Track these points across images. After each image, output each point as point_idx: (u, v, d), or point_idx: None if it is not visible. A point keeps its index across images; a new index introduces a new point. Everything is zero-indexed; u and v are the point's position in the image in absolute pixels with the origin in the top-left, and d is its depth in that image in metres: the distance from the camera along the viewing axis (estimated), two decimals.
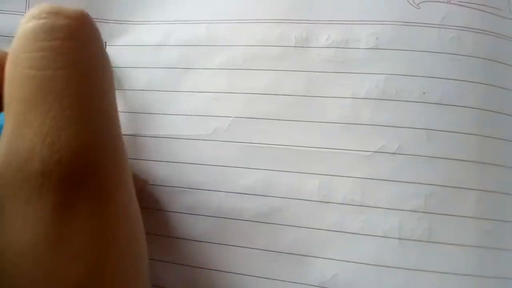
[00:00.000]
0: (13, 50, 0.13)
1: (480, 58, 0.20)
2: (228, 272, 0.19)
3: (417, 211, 0.19)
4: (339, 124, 0.20)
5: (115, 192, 0.13)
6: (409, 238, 0.19)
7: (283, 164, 0.20)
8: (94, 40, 0.14)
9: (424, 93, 0.20)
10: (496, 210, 0.19)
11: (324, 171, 0.20)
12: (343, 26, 0.21)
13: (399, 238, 0.19)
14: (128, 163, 0.14)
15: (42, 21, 0.13)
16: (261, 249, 0.20)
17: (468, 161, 0.19)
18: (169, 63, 0.22)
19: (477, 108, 0.20)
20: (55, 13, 0.14)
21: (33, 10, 0.14)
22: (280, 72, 0.21)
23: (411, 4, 0.21)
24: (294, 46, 0.21)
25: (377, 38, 0.21)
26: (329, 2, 0.21)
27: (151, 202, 0.21)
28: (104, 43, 0.22)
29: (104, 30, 0.22)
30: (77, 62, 0.13)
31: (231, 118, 0.21)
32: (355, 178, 0.20)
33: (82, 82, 0.13)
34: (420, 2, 0.21)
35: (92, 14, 0.15)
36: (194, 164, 0.21)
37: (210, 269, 0.20)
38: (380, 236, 0.19)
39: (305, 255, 0.19)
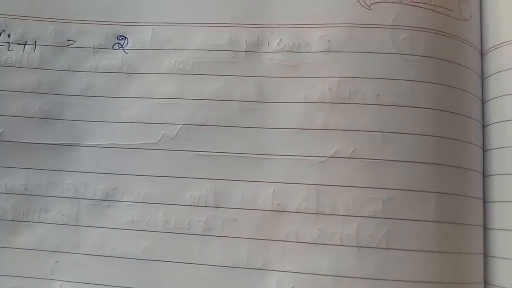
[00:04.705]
0: None
1: (434, 58, 0.20)
2: None
3: (375, 217, 0.18)
4: (292, 130, 0.19)
5: None
6: (367, 245, 0.18)
7: (235, 173, 0.19)
8: None
9: (378, 95, 0.19)
10: (455, 213, 0.19)
11: (278, 179, 0.19)
12: (295, 30, 0.20)
13: (357, 246, 0.18)
14: None
15: None
16: (214, 265, 0.18)
17: (425, 163, 0.19)
18: (110, 68, 0.21)
19: (431, 109, 0.19)
20: None
21: None
22: (230, 77, 0.20)
23: (362, 6, 0.20)
24: (245, 51, 0.20)
25: (329, 41, 0.20)
26: (280, 6, 0.21)
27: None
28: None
29: (41, 28, 0.21)
30: None
31: (179, 126, 0.20)
32: (310, 185, 0.19)
33: None
34: (372, 3, 0.20)
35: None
36: (138, 175, 0.20)
37: None
38: (337, 245, 0.18)
39: (261, 269, 0.18)
